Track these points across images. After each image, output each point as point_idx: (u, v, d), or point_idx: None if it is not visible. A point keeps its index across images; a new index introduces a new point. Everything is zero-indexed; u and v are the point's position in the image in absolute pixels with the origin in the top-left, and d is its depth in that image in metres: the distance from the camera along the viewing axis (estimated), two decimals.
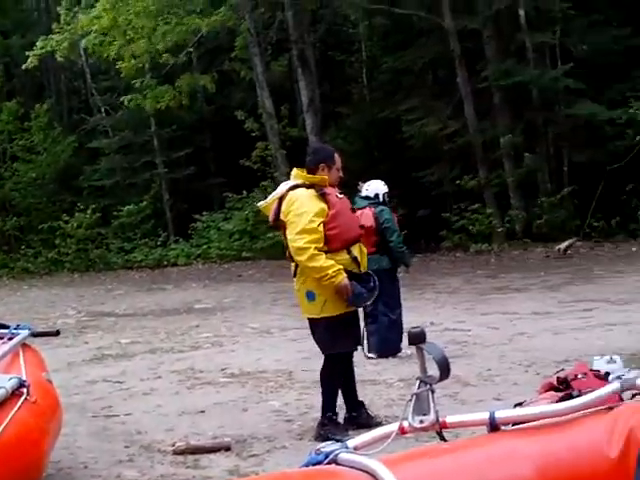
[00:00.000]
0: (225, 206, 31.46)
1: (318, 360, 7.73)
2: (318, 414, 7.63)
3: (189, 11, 28.28)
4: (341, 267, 7.13)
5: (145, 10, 27.17)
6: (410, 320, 10.49)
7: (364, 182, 11.16)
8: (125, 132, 33.97)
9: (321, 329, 7.41)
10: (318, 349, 7.64)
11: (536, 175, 25.92)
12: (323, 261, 7.07)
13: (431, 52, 27.75)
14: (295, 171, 7.54)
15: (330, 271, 7.07)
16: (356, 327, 7.70)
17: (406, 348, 10.12)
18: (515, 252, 24.23)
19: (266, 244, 27.32)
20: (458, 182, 26.20)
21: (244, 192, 30.36)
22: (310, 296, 7.27)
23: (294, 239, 7.11)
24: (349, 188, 9.46)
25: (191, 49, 30.55)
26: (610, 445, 2.71)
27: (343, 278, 7.12)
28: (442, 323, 13.09)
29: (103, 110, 34.73)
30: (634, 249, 22.51)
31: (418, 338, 3.10)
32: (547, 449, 2.72)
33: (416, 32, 29.01)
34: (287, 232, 7.21)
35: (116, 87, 33.68)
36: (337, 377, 7.55)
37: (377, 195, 10.83)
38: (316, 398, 8.48)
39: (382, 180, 11.30)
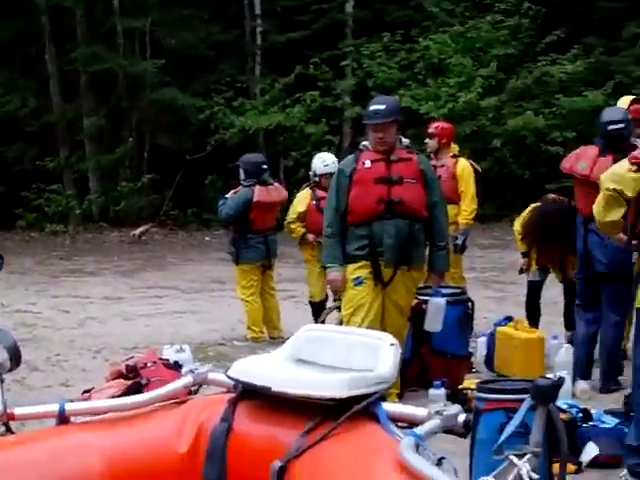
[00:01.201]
0: None
1: None
2: None
3: None
4: None
5: None
6: None
7: None
8: None
9: None
10: None
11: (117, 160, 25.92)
12: None
13: (21, 26, 26.88)
14: None
15: None
16: None
17: None
18: (90, 235, 24.08)
19: None
20: (38, 163, 25.64)
21: None
22: None
23: None
24: None
25: None
26: (180, 439, 2.77)
27: None
28: (13, 304, 12.81)
29: None
30: (207, 238, 23.12)
31: None
32: (117, 443, 2.74)
33: (6, 4, 27.99)
34: None
35: None
36: None
37: None
38: None
39: None
